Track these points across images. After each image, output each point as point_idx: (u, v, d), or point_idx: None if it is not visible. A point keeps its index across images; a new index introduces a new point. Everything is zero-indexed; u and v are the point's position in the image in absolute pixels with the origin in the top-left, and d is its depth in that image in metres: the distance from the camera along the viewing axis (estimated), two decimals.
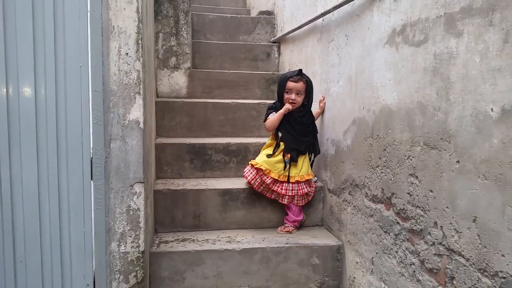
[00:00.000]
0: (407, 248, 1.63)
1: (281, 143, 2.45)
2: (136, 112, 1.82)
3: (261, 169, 2.40)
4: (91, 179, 1.80)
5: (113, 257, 1.86)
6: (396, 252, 1.71)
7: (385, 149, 1.79)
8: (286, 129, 2.45)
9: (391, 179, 1.74)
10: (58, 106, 1.75)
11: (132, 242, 1.87)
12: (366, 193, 1.98)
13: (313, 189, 2.54)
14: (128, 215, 1.85)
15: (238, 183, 2.58)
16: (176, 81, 3.36)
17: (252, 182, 2.44)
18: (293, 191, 2.41)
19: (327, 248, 2.29)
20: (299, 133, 2.45)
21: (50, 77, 1.73)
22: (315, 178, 2.70)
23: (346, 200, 2.22)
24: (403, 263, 1.67)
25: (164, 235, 2.38)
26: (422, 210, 1.53)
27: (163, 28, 3.29)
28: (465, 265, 1.30)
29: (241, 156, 2.81)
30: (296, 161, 2.44)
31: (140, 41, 1.79)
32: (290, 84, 2.41)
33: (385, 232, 1.80)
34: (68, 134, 1.77)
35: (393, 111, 1.72)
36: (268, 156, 2.44)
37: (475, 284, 1.26)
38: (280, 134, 2.47)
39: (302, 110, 2.46)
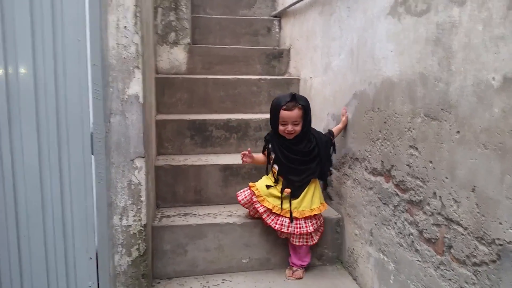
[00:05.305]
0: (406, 219, 1.65)
1: (280, 177, 2.14)
2: (136, 87, 1.81)
3: (254, 193, 2.15)
4: (92, 154, 1.81)
5: (115, 231, 1.88)
6: (395, 223, 1.73)
7: (385, 122, 1.78)
8: (281, 161, 2.11)
9: (391, 152, 1.75)
10: (57, 81, 1.73)
11: (134, 216, 1.89)
12: (366, 166, 1.99)
13: (321, 227, 2.20)
14: (130, 189, 1.87)
15: (238, 159, 2.55)
16: (176, 57, 3.33)
17: (243, 201, 2.23)
18: (290, 228, 2.08)
19: (327, 221, 2.30)
20: (297, 163, 2.10)
21: (48, 51, 1.71)
22: None
23: (346, 174, 2.23)
24: (401, 233, 1.68)
25: (166, 210, 2.40)
26: (421, 181, 1.53)
27: (162, 3, 3.23)
28: (463, 234, 1.32)
29: (242, 132, 2.80)
30: (298, 197, 2.11)
31: (138, 14, 1.76)
32: (284, 114, 2.01)
33: (384, 204, 1.81)
34: (67, 109, 1.76)
35: (394, 83, 1.70)
36: (268, 186, 2.15)
37: (472, 252, 1.27)
38: (276, 167, 2.14)
39: (296, 137, 2.07)
